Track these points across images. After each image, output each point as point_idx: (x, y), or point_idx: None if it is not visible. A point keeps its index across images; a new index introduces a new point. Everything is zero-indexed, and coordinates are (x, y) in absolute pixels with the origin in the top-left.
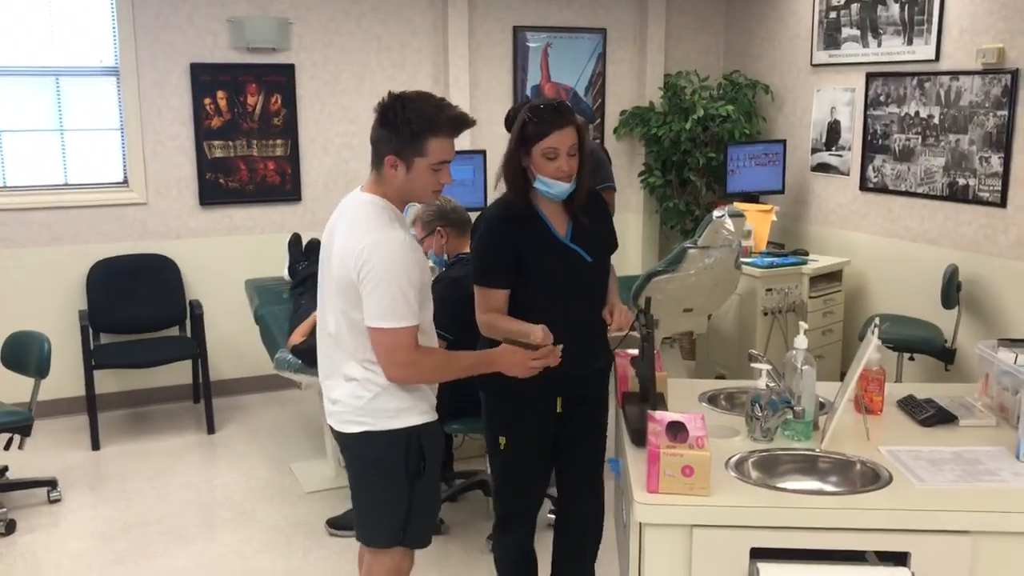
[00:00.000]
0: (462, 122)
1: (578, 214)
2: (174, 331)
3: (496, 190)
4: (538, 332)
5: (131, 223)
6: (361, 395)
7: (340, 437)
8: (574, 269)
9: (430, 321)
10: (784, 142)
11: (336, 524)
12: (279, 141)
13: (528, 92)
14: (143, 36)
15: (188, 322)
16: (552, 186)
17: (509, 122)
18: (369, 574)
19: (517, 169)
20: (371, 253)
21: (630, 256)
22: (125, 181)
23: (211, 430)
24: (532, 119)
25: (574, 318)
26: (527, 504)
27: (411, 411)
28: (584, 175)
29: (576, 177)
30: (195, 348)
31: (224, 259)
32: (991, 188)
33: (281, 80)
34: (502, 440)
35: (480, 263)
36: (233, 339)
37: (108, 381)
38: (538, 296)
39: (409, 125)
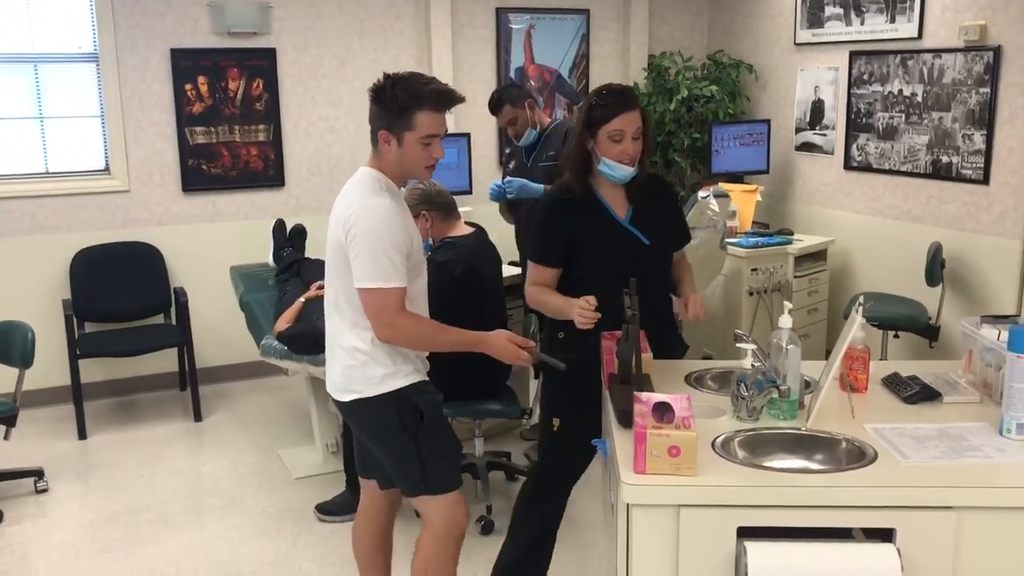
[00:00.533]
0: (448, 96)
1: (636, 195)
2: (159, 319)
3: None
4: (573, 310)
5: (114, 211)
6: (351, 364)
7: (337, 405)
8: (631, 251)
9: (421, 291)
10: (768, 122)
11: (325, 509)
12: (261, 126)
13: (512, 74)
14: (122, 21)
15: (173, 310)
16: (616, 169)
17: (493, 105)
18: (426, 531)
19: (581, 152)
20: (358, 217)
21: None
22: (107, 169)
23: (198, 417)
24: (599, 102)
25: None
26: (563, 485)
27: (396, 375)
28: (646, 158)
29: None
30: (180, 336)
31: (208, 246)
32: (974, 165)
33: (262, 64)
34: (556, 421)
35: (533, 241)
36: (218, 326)
37: (93, 370)
38: (593, 277)
39: (396, 100)
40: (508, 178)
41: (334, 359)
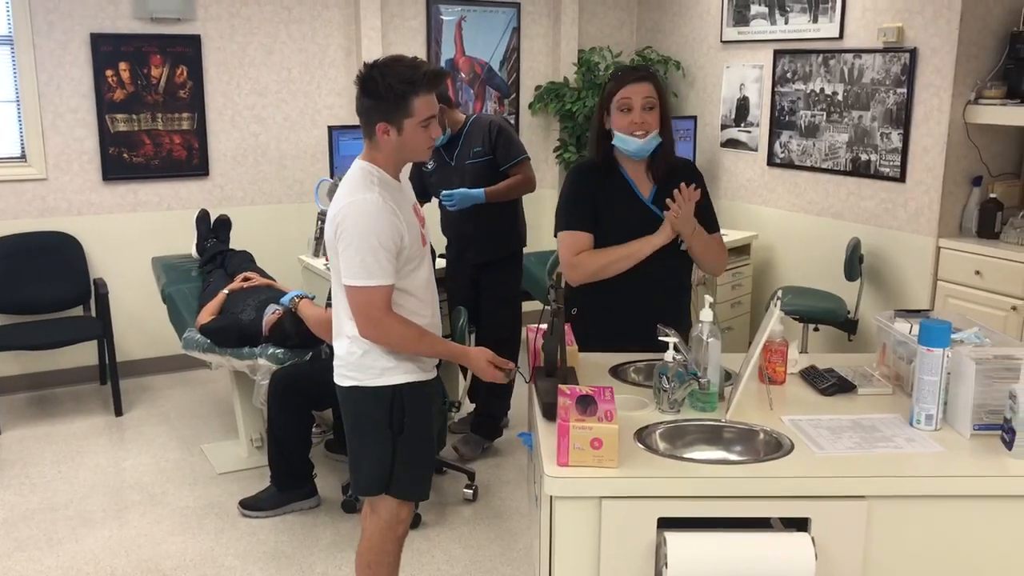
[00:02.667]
0: (440, 75)
1: (661, 176)
2: (78, 311)
3: None
4: (654, 239)
5: (30, 199)
6: (353, 351)
7: (336, 390)
8: (650, 231)
9: (420, 285)
10: (695, 118)
11: (249, 505)
12: (185, 114)
13: (443, 66)
14: (39, 3)
15: (93, 301)
16: (627, 142)
17: None
18: (371, 520)
19: (600, 131)
20: (345, 215)
21: (544, 231)
22: (23, 156)
23: (119, 412)
24: (610, 80)
25: (644, 284)
26: None
27: (396, 370)
28: (668, 135)
29: (660, 136)
30: (100, 328)
31: (129, 236)
32: (891, 164)
33: (187, 51)
34: None
35: (564, 210)
36: (140, 318)
37: (9, 363)
38: None
39: (392, 90)
40: (445, 192)
41: (338, 343)
